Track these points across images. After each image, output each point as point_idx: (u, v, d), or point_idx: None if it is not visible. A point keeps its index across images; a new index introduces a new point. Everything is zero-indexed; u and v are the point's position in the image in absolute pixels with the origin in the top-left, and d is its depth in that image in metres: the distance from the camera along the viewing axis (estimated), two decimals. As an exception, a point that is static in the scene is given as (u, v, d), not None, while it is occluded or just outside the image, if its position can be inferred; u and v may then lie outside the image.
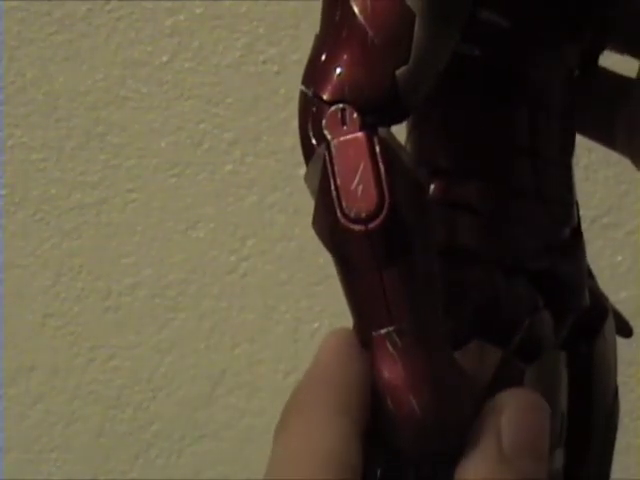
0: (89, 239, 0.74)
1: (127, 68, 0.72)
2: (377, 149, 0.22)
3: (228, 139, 0.72)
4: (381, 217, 0.22)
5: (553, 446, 0.27)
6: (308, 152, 0.23)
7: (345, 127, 0.23)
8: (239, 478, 0.74)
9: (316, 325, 0.72)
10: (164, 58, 0.72)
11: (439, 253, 0.26)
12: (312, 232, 0.24)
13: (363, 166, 0.22)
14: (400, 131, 0.28)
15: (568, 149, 0.29)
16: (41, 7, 0.72)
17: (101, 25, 0.72)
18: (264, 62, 0.71)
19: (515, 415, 0.23)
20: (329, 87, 0.23)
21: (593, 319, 0.31)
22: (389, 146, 0.23)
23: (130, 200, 0.73)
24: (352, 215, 0.22)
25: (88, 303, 0.74)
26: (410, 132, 0.28)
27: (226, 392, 0.74)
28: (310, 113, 0.23)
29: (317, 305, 0.72)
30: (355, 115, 0.23)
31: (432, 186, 0.27)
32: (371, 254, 0.22)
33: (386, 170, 0.22)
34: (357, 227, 0.22)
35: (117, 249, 0.73)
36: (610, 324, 0.32)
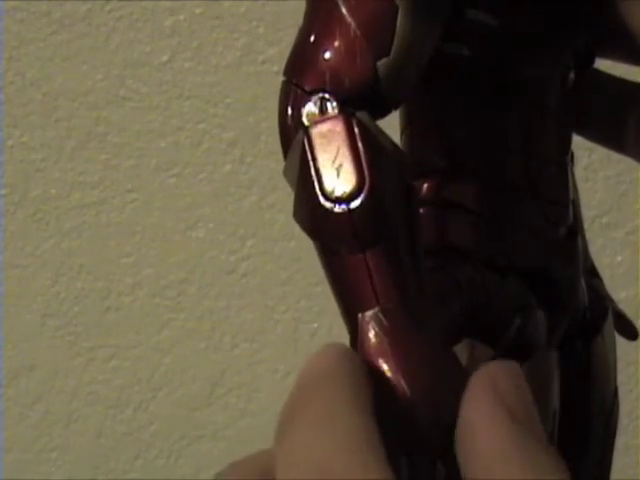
0: (89, 239, 0.74)
1: (127, 68, 0.72)
2: (356, 130, 0.22)
3: (227, 139, 0.72)
4: (362, 196, 0.22)
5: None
6: (286, 142, 0.23)
7: (324, 116, 0.23)
8: (239, 478, 0.74)
9: (316, 325, 0.72)
10: (164, 58, 0.72)
11: (431, 252, 0.26)
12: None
13: (342, 146, 0.22)
14: (394, 131, 0.28)
15: (564, 148, 0.29)
16: (41, 7, 0.72)
17: (101, 25, 0.72)
18: (263, 62, 0.71)
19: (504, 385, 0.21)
20: (310, 77, 0.23)
21: (592, 319, 0.31)
22: (367, 127, 0.23)
23: (130, 200, 0.73)
24: (333, 196, 0.22)
25: (88, 303, 0.74)
26: (403, 131, 0.28)
27: (226, 392, 0.74)
28: (290, 102, 0.23)
29: (317, 305, 0.72)
30: (335, 104, 0.23)
31: (425, 185, 0.27)
32: (354, 234, 0.22)
33: (365, 149, 0.22)
34: (339, 208, 0.22)
35: (117, 249, 0.73)
36: (609, 324, 0.32)
